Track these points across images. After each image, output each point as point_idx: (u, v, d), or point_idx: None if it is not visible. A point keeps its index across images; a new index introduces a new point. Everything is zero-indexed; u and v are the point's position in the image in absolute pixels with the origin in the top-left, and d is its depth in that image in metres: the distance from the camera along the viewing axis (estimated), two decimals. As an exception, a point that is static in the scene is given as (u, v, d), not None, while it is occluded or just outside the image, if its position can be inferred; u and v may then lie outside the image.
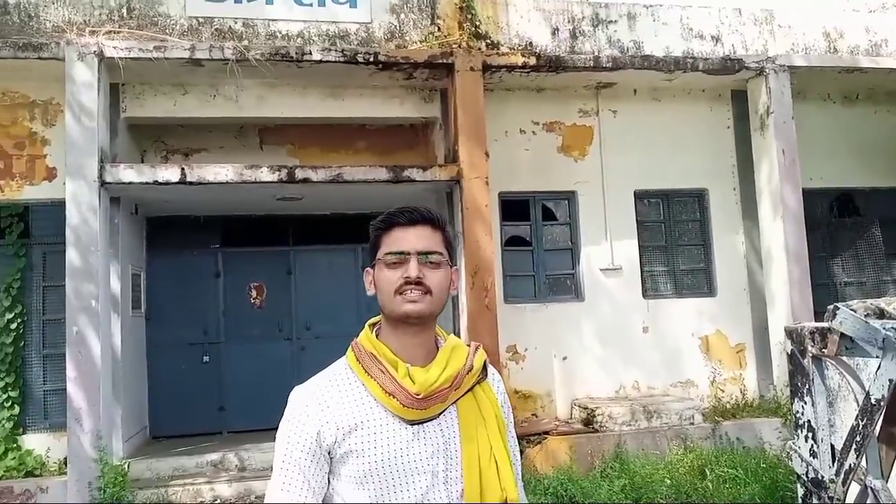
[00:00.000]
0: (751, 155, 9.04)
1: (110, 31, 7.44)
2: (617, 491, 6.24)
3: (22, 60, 7.15)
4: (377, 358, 1.61)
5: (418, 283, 1.59)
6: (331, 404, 1.58)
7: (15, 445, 7.41)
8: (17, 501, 6.71)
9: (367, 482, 1.52)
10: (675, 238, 9.27)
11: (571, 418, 8.45)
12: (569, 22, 8.72)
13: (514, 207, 8.81)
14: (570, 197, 8.92)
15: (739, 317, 9.17)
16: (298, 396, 1.62)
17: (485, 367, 1.69)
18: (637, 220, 9.04)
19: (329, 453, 1.56)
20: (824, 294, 9.01)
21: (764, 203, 8.75)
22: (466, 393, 1.63)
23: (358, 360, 1.63)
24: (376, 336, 1.67)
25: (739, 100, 9.24)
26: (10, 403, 7.47)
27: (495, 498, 1.57)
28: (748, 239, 9.20)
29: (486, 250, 7.81)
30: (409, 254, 1.62)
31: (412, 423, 1.56)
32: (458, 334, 8.02)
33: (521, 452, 7.36)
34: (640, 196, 9.09)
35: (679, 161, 9.07)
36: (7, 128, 7.71)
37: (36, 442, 7.48)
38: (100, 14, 7.58)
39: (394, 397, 1.55)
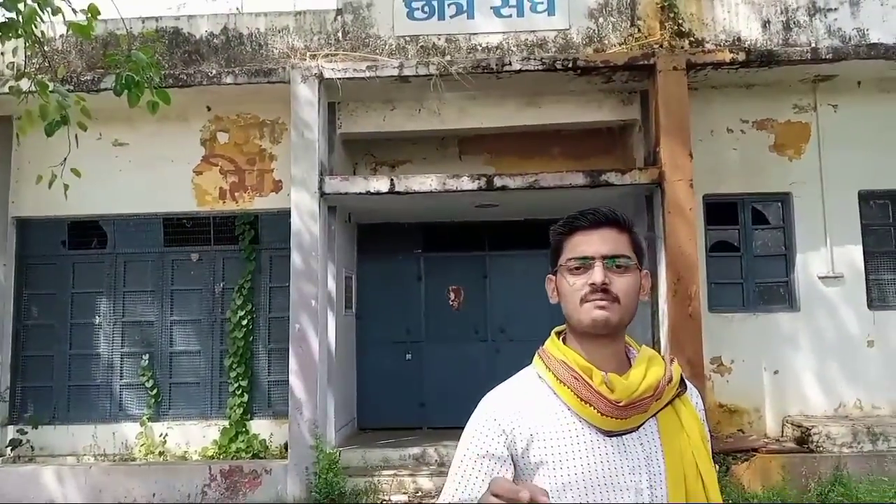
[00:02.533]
0: None
1: (328, 55, 8.11)
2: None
3: (254, 85, 8.01)
4: (569, 365, 1.52)
5: (605, 289, 1.49)
6: (523, 411, 1.51)
7: (244, 430, 8.30)
8: (245, 479, 7.51)
9: (563, 496, 1.43)
10: (906, 243, 8.34)
11: (783, 436, 7.88)
12: (782, 13, 8.13)
13: (720, 211, 8.39)
14: (783, 199, 8.33)
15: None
16: (490, 401, 1.56)
17: (682, 381, 1.57)
18: (861, 224, 8.23)
19: (515, 460, 1.49)
20: None
21: None
22: (666, 406, 1.53)
23: (548, 367, 1.55)
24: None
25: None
26: (240, 391, 8.37)
27: None
28: None
29: (689, 256, 7.51)
30: (593, 258, 1.52)
31: (610, 434, 1.47)
32: (657, 344, 7.81)
33: (727, 468, 7.00)
34: (864, 197, 8.27)
35: (910, 157, 8.15)
36: (241, 146, 8.66)
37: (261, 427, 8.32)
38: (319, 39, 8.28)
39: (590, 405, 1.46)
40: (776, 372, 8.06)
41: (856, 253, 8.18)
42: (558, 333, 1.63)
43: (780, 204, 8.37)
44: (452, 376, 9.19)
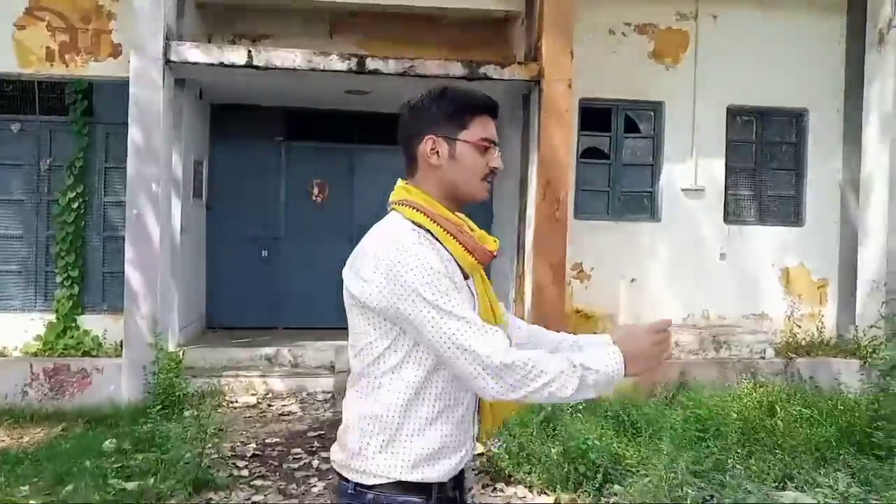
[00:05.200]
0: (861, 74, 8.16)
1: None
2: (681, 420, 5.92)
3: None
4: (452, 221, 1.72)
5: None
6: (444, 256, 1.68)
7: (74, 325, 7.48)
8: (73, 379, 6.79)
9: None
10: (765, 161, 8.58)
11: (634, 342, 8.10)
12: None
13: (594, 116, 8.22)
14: (656, 108, 8.27)
15: (826, 251, 8.55)
16: (418, 242, 1.64)
17: None
18: (727, 139, 8.36)
19: None
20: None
21: (870, 127, 7.93)
22: None
23: (434, 220, 1.70)
24: None
25: (856, 11, 8.29)
26: (69, 283, 7.49)
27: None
28: (846, 167, 8.44)
29: (562, 160, 7.33)
30: (497, 145, 1.77)
31: (465, 277, 1.73)
32: (522, 248, 7.70)
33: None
34: (733, 112, 8.38)
35: (780, 77, 8.26)
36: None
37: (93, 323, 7.52)
38: None
39: (473, 255, 1.71)
40: (633, 280, 8.21)
41: (718, 168, 8.34)
42: (409, 191, 1.78)
43: (652, 113, 8.31)
44: (311, 276, 8.69)
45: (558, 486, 4.75)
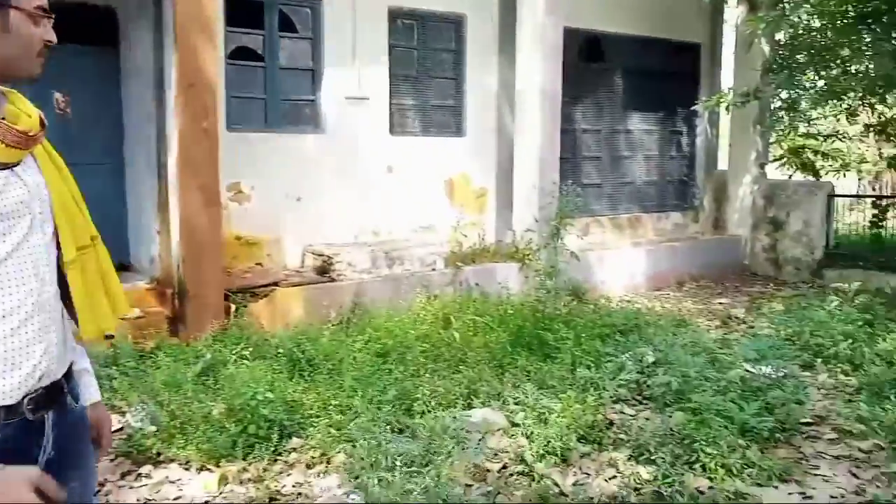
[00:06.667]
0: (513, -19, 8.20)
1: None
2: (360, 345, 5.41)
3: None
4: None
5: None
6: None
7: None
8: None
9: None
10: (427, 69, 8.27)
11: (303, 267, 7.40)
12: None
13: (243, 10, 7.02)
14: (314, 5, 7.35)
15: (485, 159, 8.68)
16: None
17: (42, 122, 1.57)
18: (389, 44, 7.83)
19: None
20: (566, 140, 8.80)
21: (524, 37, 8.00)
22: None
23: None
24: None
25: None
26: None
27: (85, 236, 1.64)
28: (501, 75, 8.55)
29: (206, 61, 6.08)
30: (53, 17, 1.57)
31: (4, 166, 1.48)
32: (163, 165, 6.39)
33: (244, 307, 6.17)
34: (394, 15, 7.84)
35: (438, -23, 7.93)
36: None
37: None
38: None
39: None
40: (299, 199, 7.42)
41: (382, 75, 7.81)
42: None
43: (309, 11, 7.39)
44: None
45: (224, 457, 3.87)
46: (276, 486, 3.74)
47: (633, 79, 9.92)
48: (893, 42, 9.08)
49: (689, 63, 10.65)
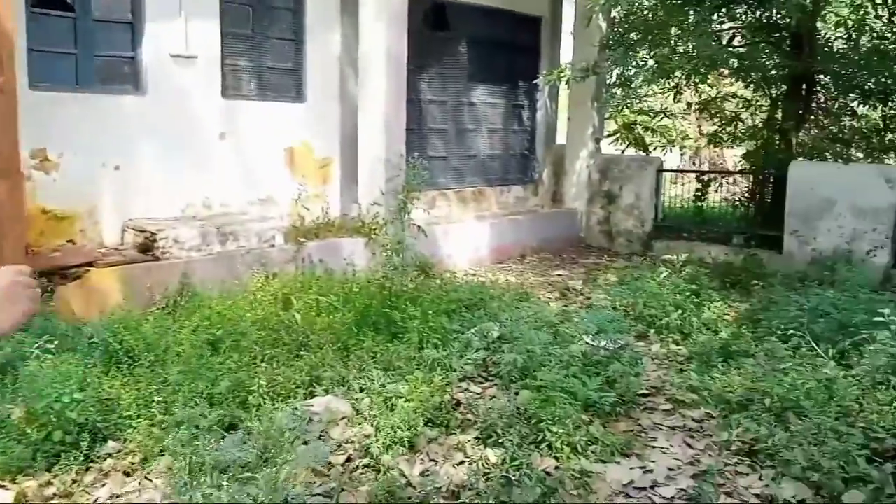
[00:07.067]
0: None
1: None
2: (188, 333, 4.91)
3: None
4: None
5: None
6: None
7: None
8: None
9: None
10: (264, 27, 7.69)
11: (123, 244, 6.68)
12: None
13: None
14: (130, -53, 6.57)
15: (328, 127, 8.28)
16: None
17: None
18: (220, -1, 7.19)
19: None
20: (412, 111, 8.58)
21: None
22: None
23: None
24: None
25: None
26: None
27: None
28: (345, 39, 8.14)
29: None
30: None
31: None
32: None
33: (51, 291, 5.46)
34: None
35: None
36: None
37: None
38: None
39: None
40: (117, 167, 6.67)
41: (213, 32, 7.15)
42: None
43: (126, -45, 6.59)
44: None
45: (22, 471, 3.33)
46: (86, 500, 3.28)
47: (477, 50, 9.85)
48: (715, 24, 9.66)
49: (531, 36, 10.75)
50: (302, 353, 4.90)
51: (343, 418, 4.16)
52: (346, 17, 8.05)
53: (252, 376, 4.33)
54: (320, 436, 3.93)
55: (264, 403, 4.12)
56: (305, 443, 3.75)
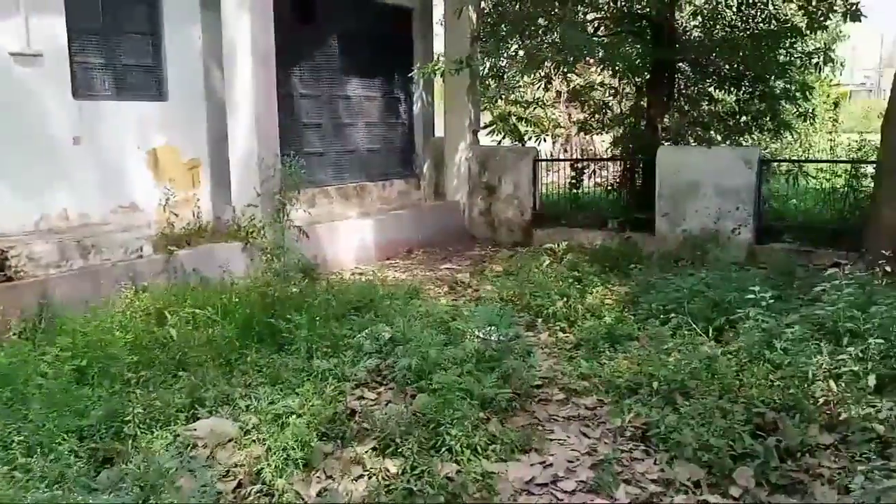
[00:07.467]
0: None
1: None
2: (51, 360, 4.46)
3: None
4: None
5: None
6: None
7: None
8: None
9: None
10: (116, 21, 7.11)
11: (-32, 263, 6.00)
12: None
13: None
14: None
15: (193, 127, 7.81)
16: None
17: None
18: (63, -9, 6.57)
19: None
20: (284, 106, 8.25)
21: (229, -10, 7.25)
22: None
23: None
24: None
25: None
26: None
27: None
28: (207, 33, 7.69)
29: None
30: None
31: None
32: None
33: None
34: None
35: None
36: None
37: None
38: None
39: None
40: (-45, 180, 5.98)
41: (58, 27, 6.52)
42: None
43: (-52, -59, 5.88)
44: None
45: None
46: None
47: (348, 42, 9.61)
48: (580, 14, 9.92)
49: (403, 27, 10.62)
50: (180, 373, 4.58)
51: (230, 440, 3.90)
52: (208, 9, 7.60)
53: (125, 404, 3.98)
54: (206, 461, 3.66)
55: (141, 433, 3.79)
56: (191, 471, 3.48)
